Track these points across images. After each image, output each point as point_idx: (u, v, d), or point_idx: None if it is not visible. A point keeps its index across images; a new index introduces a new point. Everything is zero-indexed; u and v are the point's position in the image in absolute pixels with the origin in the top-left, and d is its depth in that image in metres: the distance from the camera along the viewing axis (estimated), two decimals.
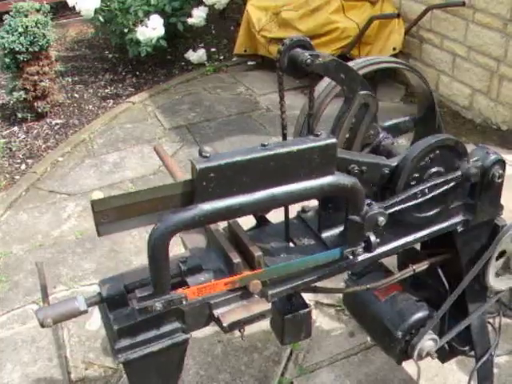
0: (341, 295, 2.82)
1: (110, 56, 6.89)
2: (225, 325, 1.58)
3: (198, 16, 6.34)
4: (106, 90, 6.13)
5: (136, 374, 1.62)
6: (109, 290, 1.60)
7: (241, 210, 1.51)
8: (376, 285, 2.08)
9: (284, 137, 1.69)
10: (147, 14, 5.96)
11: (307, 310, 1.96)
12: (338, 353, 2.94)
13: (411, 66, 2.04)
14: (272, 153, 1.50)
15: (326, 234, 1.82)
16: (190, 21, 6.34)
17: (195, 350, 2.94)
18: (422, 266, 2.12)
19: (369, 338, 2.95)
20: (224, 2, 6.51)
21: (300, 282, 1.76)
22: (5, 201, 4.30)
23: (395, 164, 1.77)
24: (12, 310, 3.26)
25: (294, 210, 1.89)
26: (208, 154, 1.45)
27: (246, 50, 6.29)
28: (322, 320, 3.11)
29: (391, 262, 2.29)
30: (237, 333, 1.72)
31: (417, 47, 5.61)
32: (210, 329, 2.91)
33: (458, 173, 1.86)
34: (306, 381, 2.80)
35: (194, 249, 1.77)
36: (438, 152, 1.80)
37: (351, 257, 1.74)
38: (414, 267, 2.10)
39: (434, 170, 1.82)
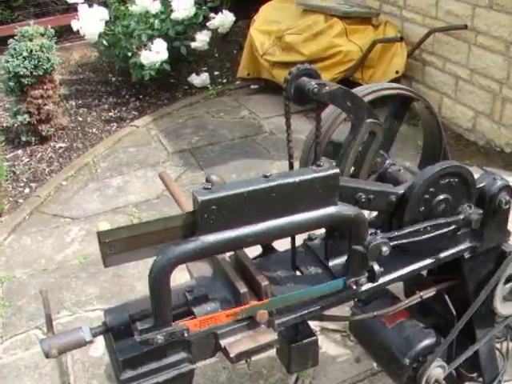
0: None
1: (114, 79, 6.92)
2: (232, 356, 1.56)
3: (202, 40, 6.36)
4: (110, 114, 6.14)
5: None
6: (114, 319, 1.59)
7: (243, 242, 1.51)
8: (383, 312, 2.07)
9: (291, 166, 1.69)
10: (151, 37, 5.99)
11: (314, 338, 1.94)
12: (344, 379, 2.90)
13: (417, 92, 2.04)
14: (274, 184, 1.50)
15: (333, 263, 1.81)
16: (193, 45, 6.37)
17: (199, 377, 2.91)
18: (429, 293, 2.10)
19: (375, 364, 2.91)
20: (227, 26, 6.54)
21: (306, 312, 1.75)
22: (8, 224, 4.29)
23: (402, 192, 1.77)
24: (15, 335, 3.24)
25: (301, 237, 1.88)
26: (209, 186, 1.45)
27: (249, 74, 6.31)
28: (327, 346, 3.08)
29: (398, 288, 2.27)
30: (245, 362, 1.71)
31: (419, 70, 5.63)
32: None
33: (460, 217, 1.86)
34: None
35: (199, 278, 1.76)
36: (444, 179, 1.80)
37: (354, 287, 1.74)
38: (421, 294, 2.09)
39: (441, 197, 1.81)
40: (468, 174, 1.84)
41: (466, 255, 2.02)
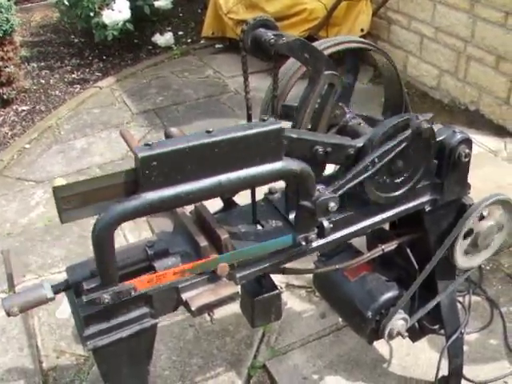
0: (311, 276, 2.83)
1: (76, 41, 6.78)
2: (193, 309, 1.57)
3: None
4: (73, 75, 6.03)
5: (106, 360, 1.61)
6: (76, 275, 1.58)
7: (187, 199, 1.49)
8: (345, 265, 2.09)
9: (249, 117, 1.68)
10: None
11: (276, 291, 1.96)
12: (310, 334, 2.94)
13: (378, 46, 2.04)
14: (216, 139, 1.47)
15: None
16: (156, 4, 6.28)
17: (166, 335, 2.92)
18: (391, 246, 2.12)
19: (340, 319, 2.96)
20: None
21: (264, 266, 1.76)
22: None
23: (361, 145, 1.76)
24: None
25: (262, 192, 1.88)
26: (150, 142, 1.42)
27: (213, 33, 6.24)
28: (293, 302, 3.12)
29: (360, 242, 2.30)
30: (208, 317, 1.72)
31: (385, 28, 5.61)
32: (181, 314, 2.94)
33: (408, 131, 1.80)
34: (278, 363, 2.80)
35: (160, 233, 1.76)
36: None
37: (304, 243, 1.73)
38: (383, 247, 2.11)
39: (400, 149, 1.80)
40: (427, 126, 1.84)
41: (427, 208, 2.03)
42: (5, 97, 5.29)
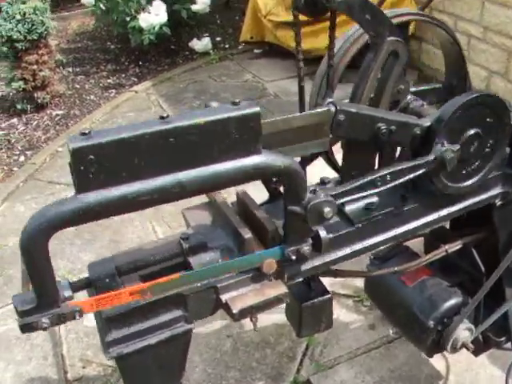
0: (359, 284, 2.60)
1: (113, 47, 6.71)
2: (234, 311, 1.34)
3: (203, 2, 6.10)
4: (109, 81, 5.93)
5: (132, 371, 1.40)
6: (98, 272, 1.38)
7: (137, 201, 1.20)
8: (404, 267, 1.85)
9: (301, 89, 1.46)
10: (150, 1, 5.75)
11: (328, 296, 1.74)
12: (358, 347, 2.72)
13: (438, 19, 1.81)
14: (171, 126, 1.19)
15: (349, 207, 1.58)
16: (193, 7, 6.11)
17: (202, 346, 2.72)
18: (456, 246, 1.89)
19: (391, 331, 2.73)
20: None
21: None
22: (2, 192, 4.11)
23: (428, 124, 1.53)
24: (6, 305, 3.05)
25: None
26: (87, 131, 1.15)
27: (252, 37, 6.10)
28: (339, 312, 2.88)
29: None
30: (247, 326, 1.51)
31: (429, 30, 5.36)
32: (218, 322, 2.74)
33: (431, 157, 1.54)
34: (323, 378, 2.58)
35: (197, 226, 1.54)
36: (476, 111, 1.56)
37: (294, 257, 1.43)
38: (447, 247, 1.87)
39: (471, 131, 1.57)
40: (502, 106, 1.60)
41: (498, 202, 1.80)
42: (39, 101, 5.20)
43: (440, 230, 1.98)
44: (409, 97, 1.70)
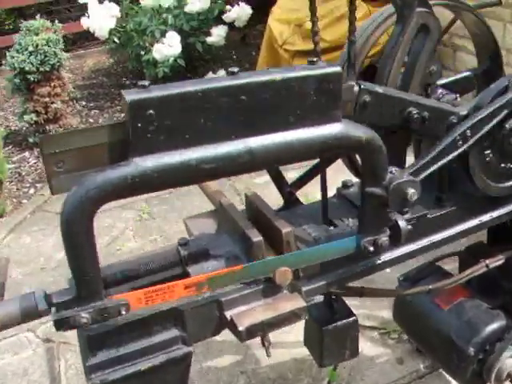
0: (386, 315, 2.36)
1: (128, 83, 6.65)
2: (240, 329, 1.12)
3: (218, 34, 6.01)
4: (123, 115, 5.79)
5: None
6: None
7: (200, 170, 1.02)
8: (440, 285, 1.62)
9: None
10: (164, 33, 5.67)
11: (353, 318, 1.51)
12: (386, 383, 2.46)
13: (471, 6, 1.62)
14: (242, 82, 1.03)
15: None
16: (209, 40, 6.02)
17: (213, 383, 2.47)
18: (497, 261, 1.66)
19: (422, 365, 2.47)
20: (244, 18, 6.18)
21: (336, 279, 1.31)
22: (9, 224, 3.99)
23: (465, 113, 1.32)
24: (4, 338, 2.85)
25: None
26: (146, 83, 0.99)
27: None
28: (364, 345, 2.63)
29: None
30: (263, 362, 1.29)
31: (449, 56, 5.21)
32: (231, 357, 2.50)
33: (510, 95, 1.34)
34: None
35: (200, 234, 1.34)
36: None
37: (371, 248, 1.25)
38: (487, 262, 1.64)
39: None
40: None
41: None
42: (51, 134, 5.06)
43: (477, 246, 1.76)
44: (439, 90, 1.51)
